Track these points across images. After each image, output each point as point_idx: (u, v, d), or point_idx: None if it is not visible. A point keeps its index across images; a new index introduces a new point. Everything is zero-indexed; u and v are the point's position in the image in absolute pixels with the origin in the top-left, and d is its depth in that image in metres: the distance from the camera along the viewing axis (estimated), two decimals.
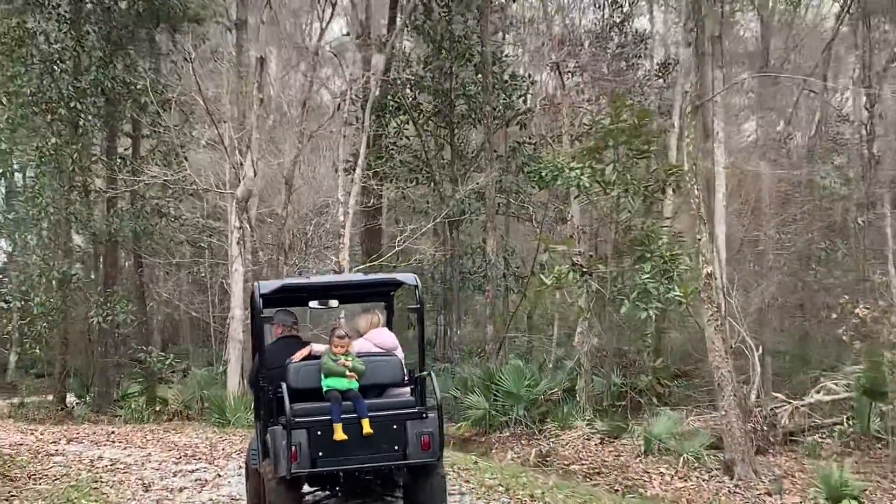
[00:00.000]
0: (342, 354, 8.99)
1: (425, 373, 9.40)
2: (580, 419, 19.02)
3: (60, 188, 24.31)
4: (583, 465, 16.76)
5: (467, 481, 11.85)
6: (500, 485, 11.55)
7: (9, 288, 25.31)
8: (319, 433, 8.53)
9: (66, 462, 15.21)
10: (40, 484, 13.19)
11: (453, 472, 12.62)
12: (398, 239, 26.36)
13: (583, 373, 20.34)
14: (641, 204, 19.49)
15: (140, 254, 27.82)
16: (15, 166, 38.66)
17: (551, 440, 18.42)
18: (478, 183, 26.23)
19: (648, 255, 17.92)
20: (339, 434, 8.53)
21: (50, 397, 26.59)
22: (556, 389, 21.15)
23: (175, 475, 13.19)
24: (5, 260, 38.66)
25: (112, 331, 25.47)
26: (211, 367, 25.70)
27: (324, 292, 10.09)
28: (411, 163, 28.49)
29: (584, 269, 19.06)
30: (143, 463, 14.67)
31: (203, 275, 30.78)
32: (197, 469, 13.58)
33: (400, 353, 9.77)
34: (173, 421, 22.43)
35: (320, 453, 8.53)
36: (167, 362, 24.81)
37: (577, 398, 20.17)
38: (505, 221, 30.90)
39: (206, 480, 12.71)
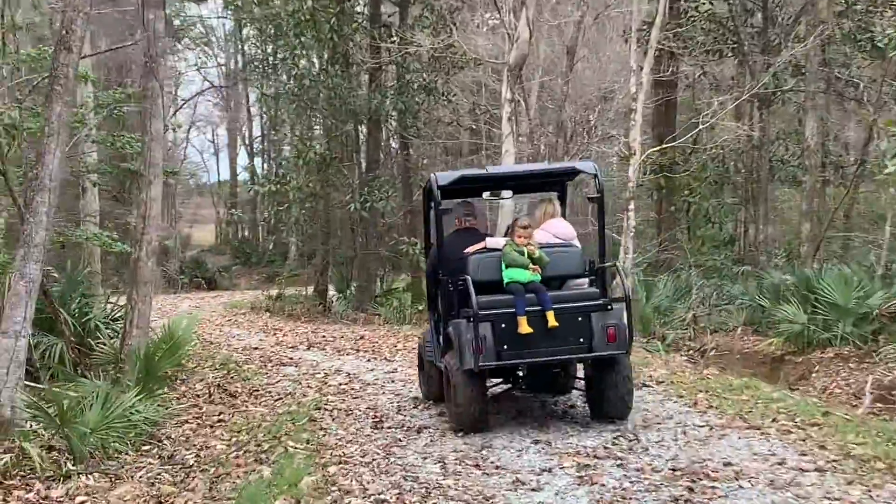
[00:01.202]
0: (524, 245, 8.72)
1: (610, 263, 9.42)
2: None
3: (319, 59, 21.86)
4: None
5: (823, 447, 7.93)
6: (876, 457, 7.59)
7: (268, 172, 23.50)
8: (504, 326, 8.35)
9: (296, 376, 12.77)
10: (259, 405, 10.71)
11: (795, 425, 8.81)
12: (698, 118, 22.40)
13: None
14: None
15: (406, 136, 24.97)
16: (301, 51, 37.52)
17: (890, 365, 14.53)
18: (794, 55, 22.05)
19: None
20: (525, 327, 8.30)
21: (310, 290, 24.77)
22: (894, 302, 17.18)
23: (416, 407, 10.23)
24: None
25: (374, 220, 23.06)
26: None
27: (501, 182, 10.15)
28: (715, 31, 24.50)
29: None
30: (383, 384, 11.90)
31: (482, 163, 28.16)
32: None
33: (577, 243, 9.50)
34: None
35: (505, 346, 8.35)
36: None
37: None
38: (825, 101, 26.24)
39: None
